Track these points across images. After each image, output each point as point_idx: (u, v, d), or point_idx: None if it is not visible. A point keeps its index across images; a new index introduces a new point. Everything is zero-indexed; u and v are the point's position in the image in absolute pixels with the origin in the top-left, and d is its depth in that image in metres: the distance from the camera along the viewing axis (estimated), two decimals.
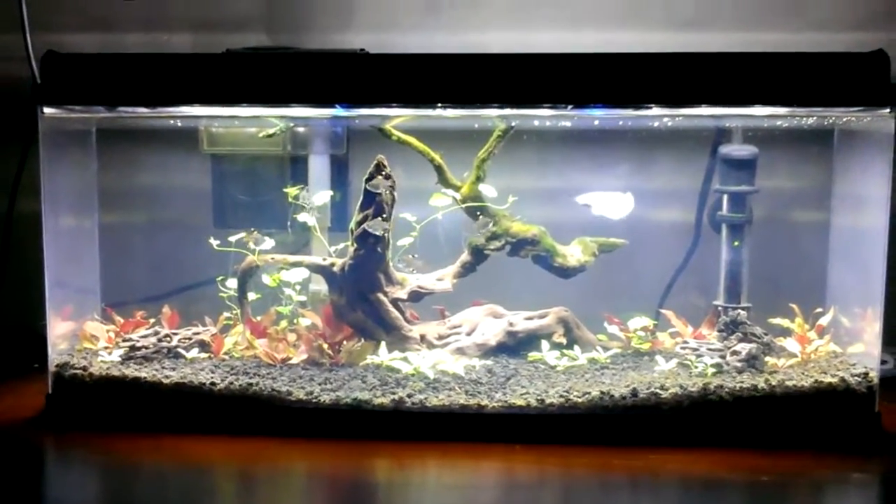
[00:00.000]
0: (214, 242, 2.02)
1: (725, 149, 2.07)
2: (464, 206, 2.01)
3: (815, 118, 1.94)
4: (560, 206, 2.06)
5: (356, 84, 1.74)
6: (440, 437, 1.70)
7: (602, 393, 1.74)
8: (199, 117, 2.11)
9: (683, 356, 1.92)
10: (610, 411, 1.73)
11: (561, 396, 1.74)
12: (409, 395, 1.75)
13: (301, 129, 2.17)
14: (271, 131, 2.04)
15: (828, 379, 1.77)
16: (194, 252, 2.10)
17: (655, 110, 1.79)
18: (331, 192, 2.12)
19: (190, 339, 1.98)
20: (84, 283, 2.07)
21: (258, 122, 2.07)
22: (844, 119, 1.92)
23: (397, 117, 1.95)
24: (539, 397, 1.74)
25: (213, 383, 1.79)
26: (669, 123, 1.99)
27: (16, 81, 1.94)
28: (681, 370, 1.87)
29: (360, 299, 1.96)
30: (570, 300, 2.05)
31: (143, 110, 1.88)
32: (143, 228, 2.29)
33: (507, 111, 1.86)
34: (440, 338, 1.99)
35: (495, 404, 1.74)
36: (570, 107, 1.76)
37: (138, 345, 1.93)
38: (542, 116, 1.97)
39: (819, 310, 1.97)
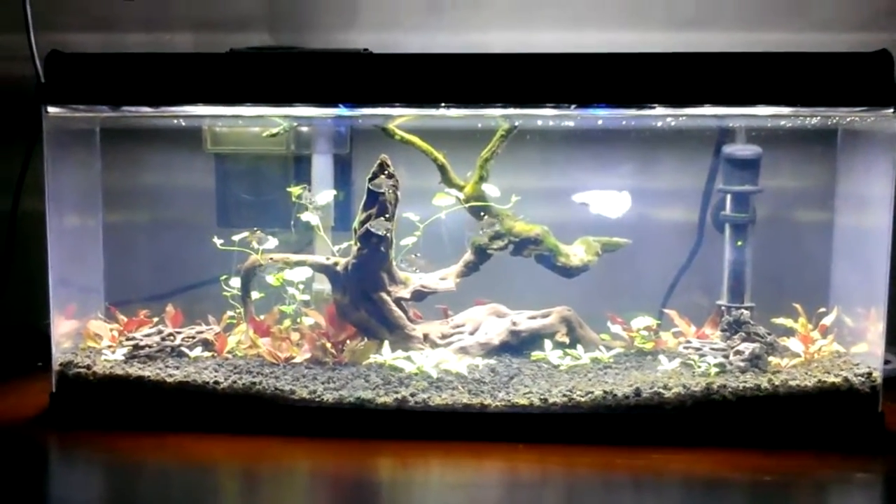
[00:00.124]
0: (218, 241, 2.02)
1: (729, 148, 2.07)
2: (467, 205, 2.01)
3: (818, 118, 1.93)
4: (563, 206, 2.06)
5: (360, 84, 1.75)
6: (443, 437, 1.70)
7: (605, 392, 1.74)
8: (203, 117, 2.12)
9: (687, 356, 1.91)
10: (613, 411, 1.73)
11: (564, 396, 1.74)
12: (413, 395, 1.76)
13: (304, 129, 2.17)
14: (275, 131, 2.04)
15: (831, 379, 1.77)
16: (198, 251, 2.10)
17: (658, 110, 1.79)
18: (334, 192, 2.12)
19: (193, 338, 1.98)
20: (88, 281, 2.07)
21: (262, 122, 2.07)
22: (848, 119, 1.92)
23: (401, 117, 1.95)
24: (542, 397, 1.74)
25: (216, 382, 1.79)
26: (673, 123, 1.99)
27: (20, 81, 1.94)
28: (684, 370, 1.87)
29: (363, 298, 1.96)
30: (573, 300, 2.05)
31: (146, 110, 1.88)
32: (146, 227, 2.30)
33: (510, 111, 1.86)
34: (443, 337, 1.99)
35: (498, 403, 1.74)
36: (572, 106, 1.76)
37: (142, 344, 1.93)
38: (545, 116, 1.97)
39: (822, 309, 1.97)
